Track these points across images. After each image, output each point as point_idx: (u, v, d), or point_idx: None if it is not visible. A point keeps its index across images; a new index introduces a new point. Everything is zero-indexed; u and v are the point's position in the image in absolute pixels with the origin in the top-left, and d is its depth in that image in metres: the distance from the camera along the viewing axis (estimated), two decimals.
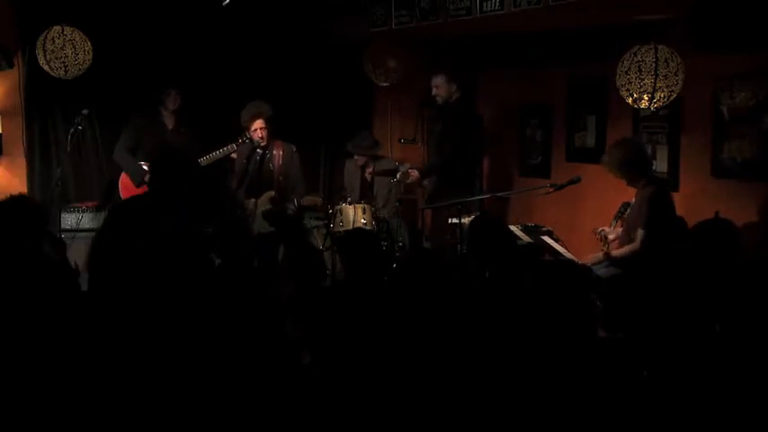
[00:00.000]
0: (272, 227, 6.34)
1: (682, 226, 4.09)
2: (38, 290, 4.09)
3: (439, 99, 6.61)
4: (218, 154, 6.54)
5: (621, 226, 5.32)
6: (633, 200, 5.24)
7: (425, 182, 6.74)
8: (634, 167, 5.14)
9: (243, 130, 6.51)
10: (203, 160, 6.53)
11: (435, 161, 6.63)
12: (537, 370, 3.64)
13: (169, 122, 6.62)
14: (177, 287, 4.26)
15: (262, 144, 6.47)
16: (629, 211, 5.23)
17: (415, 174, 6.62)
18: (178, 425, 3.72)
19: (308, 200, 6.35)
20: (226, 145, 6.56)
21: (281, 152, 6.56)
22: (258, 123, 6.44)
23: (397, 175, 6.67)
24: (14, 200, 4.39)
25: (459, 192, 5.94)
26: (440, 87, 6.57)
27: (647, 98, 5.00)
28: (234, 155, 6.58)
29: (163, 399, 3.79)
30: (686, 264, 3.84)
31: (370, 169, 7.18)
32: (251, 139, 6.50)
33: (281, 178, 6.51)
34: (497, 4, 5.57)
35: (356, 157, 7.17)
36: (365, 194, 7.08)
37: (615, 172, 5.21)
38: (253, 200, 6.52)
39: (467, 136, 6.53)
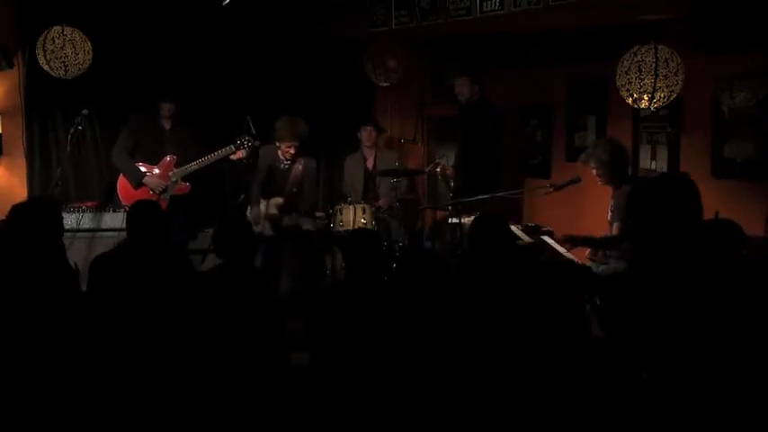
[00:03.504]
0: (272, 230, 6.46)
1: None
2: (53, 288, 4.13)
3: (461, 98, 6.71)
4: (216, 155, 6.54)
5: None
6: (612, 201, 5.27)
7: (451, 182, 6.79)
8: (615, 168, 5.20)
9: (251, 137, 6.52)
10: (202, 161, 6.52)
11: (463, 162, 6.71)
12: (536, 370, 3.64)
13: (167, 123, 6.62)
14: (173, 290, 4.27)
15: (257, 143, 6.49)
16: (611, 211, 5.26)
17: (449, 169, 6.75)
18: (177, 424, 3.72)
19: (306, 222, 6.42)
20: (224, 146, 6.55)
21: (301, 165, 6.57)
22: (295, 143, 6.42)
23: (431, 166, 7.07)
24: (34, 201, 4.51)
25: (486, 190, 5.95)
26: (463, 86, 6.65)
27: (647, 98, 4.99)
28: (233, 156, 6.57)
29: (162, 397, 3.79)
30: (686, 264, 3.84)
31: (371, 159, 7.18)
32: (250, 142, 6.50)
33: (294, 189, 6.54)
34: (497, 4, 5.57)
35: (365, 132, 7.13)
36: (368, 192, 7.06)
37: (596, 169, 5.25)
38: (264, 202, 6.58)
39: (491, 135, 6.64)
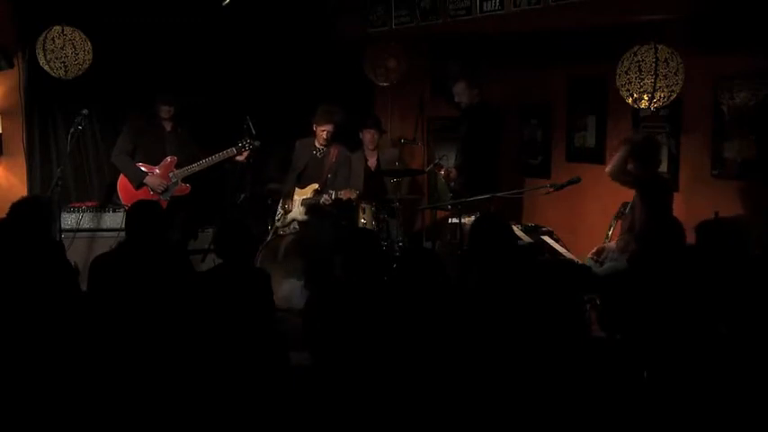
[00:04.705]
0: (306, 215, 6.63)
1: (678, 227, 4.08)
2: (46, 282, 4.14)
3: (462, 105, 6.74)
4: (217, 157, 6.54)
5: (621, 225, 5.32)
6: (633, 197, 5.26)
7: (453, 183, 6.80)
8: (644, 164, 5.11)
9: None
10: (203, 163, 6.52)
11: (463, 162, 6.72)
12: (536, 369, 3.64)
13: (167, 124, 6.61)
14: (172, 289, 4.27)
15: (257, 143, 6.51)
16: (628, 208, 5.24)
17: (453, 172, 6.74)
18: (177, 424, 3.72)
19: (344, 193, 6.46)
20: (226, 148, 6.55)
21: (336, 153, 6.77)
22: (329, 127, 6.67)
23: (431, 166, 7.14)
24: (27, 199, 4.55)
25: (486, 190, 5.94)
26: (461, 94, 6.68)
27: (647, 98, 4.99)
28: (239, 157, 6.58)
29: (162, 397, 3.79)
30: (688, 263, 3.84)
31: (373, 159, 7.18)
32: (251, 144, 6.51)
33: (329, 175, 6.73)
34: (497, 4, 5.57)
35: (367, 134, 7.13)
36: (370, 192, 7.05)
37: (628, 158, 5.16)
38: (297, 189, 6.75)
39: (491, 136, 6.65)
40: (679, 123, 5.77)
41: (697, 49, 5.34)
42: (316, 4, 7.26)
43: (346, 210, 6.71)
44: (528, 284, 3.91)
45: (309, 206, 6.64)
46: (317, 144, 6.77)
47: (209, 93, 7.16)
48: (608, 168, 5.26)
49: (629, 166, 5.12)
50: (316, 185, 6.68)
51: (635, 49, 5.00)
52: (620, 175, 5.17)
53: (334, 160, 6.74)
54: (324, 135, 6.69)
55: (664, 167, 5.85)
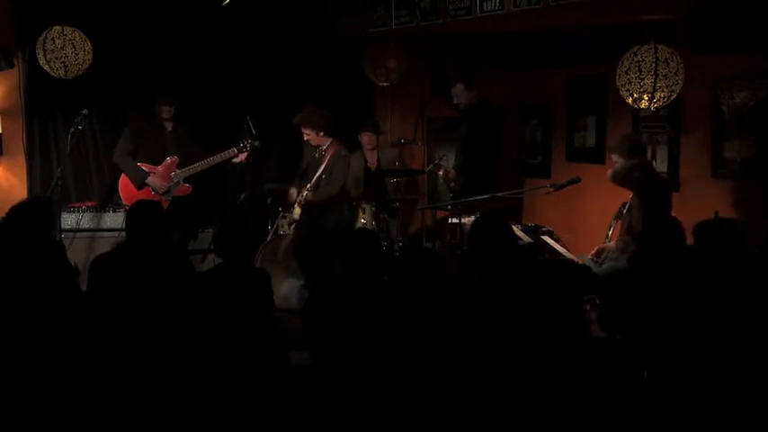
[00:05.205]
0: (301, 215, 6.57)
1: (677, 227, 4.08)
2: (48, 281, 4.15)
3: (461, 105, 6.73)
4: (218, 158, 6.54)
5: (621, 225, 5.33)
6: (631, 198, 5.26)
7: (452, 184, 6.79)
8: (636, 176, 5.15)
9: (244, 131, 6.60)
10: (204, 163, 6.52)
11: (463, 162, 6.71)
12: (536, 370, 3.64)
13: (168, 124, 6.61)
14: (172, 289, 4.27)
15: (256, 143, 6.50)
16: (626, 209, 5.24)
17: (451, 172, 6.74)
18: (177, 424, 3.72)
19: (311, 194, 6.46)
20: (227, 149, 6.55)
21: (332, 153, 6.62)
22: (304, 129, 6.52)
23: (431, 166, 7.06)
24: (27, 201, 4.57)
25: (486, 190, 5.94)
26: (460, 96, 6.67)
27: (647, 98, 4.99)
28: (236, 159, 6.58)
29: (162, 397, 3.79)
30: (687, 263, 3.84)
31: (373, 159, 7.18)
32: (251, 144, 6.51)
33: (323, 176, 6.62)
34: (497, 4, 5.57)
35: (365, 136, 7.14)
36: (371, 191, 7.05)
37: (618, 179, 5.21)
38: (298, 189, 6.70)
39: (491, 136, 6.65)
40: (679, 123, 5.77)
41: (697, 49, 5.35)
42: (316, 4, 7.26)
43: (345, 210, 6.70)
44: (528, 284, 3.91)
45: (304, 208, 6.62)
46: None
47: (209, 93, 7.16)
48: (610, 173, 5.24)
49: (635, 174, 5.15)
50: (309, 185, 6.64)
51: (635, 49, 5.00)
52: (624, 181, 5.18)
53: (328, 162, 6.66)
54: (305, 137, 6.57)
55: (663, 167, 5.86)
